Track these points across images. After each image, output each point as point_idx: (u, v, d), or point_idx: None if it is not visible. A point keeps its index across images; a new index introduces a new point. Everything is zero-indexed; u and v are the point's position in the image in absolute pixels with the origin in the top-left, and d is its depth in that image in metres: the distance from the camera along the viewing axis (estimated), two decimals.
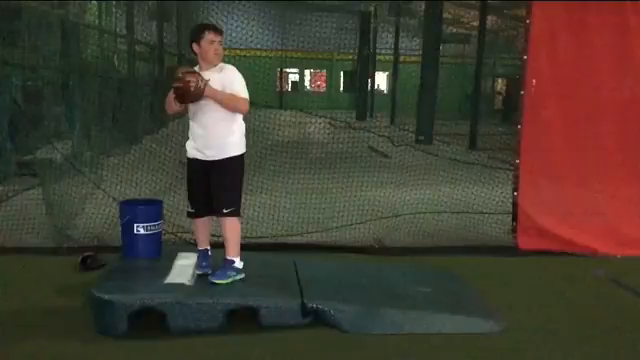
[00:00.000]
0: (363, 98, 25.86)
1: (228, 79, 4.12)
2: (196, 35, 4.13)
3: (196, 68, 4.22)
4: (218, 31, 4.17)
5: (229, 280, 4.16)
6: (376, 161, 10.22)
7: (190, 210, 4.36)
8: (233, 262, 4.21)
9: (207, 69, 4.15)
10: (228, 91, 4.09)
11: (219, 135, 4.14)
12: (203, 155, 4.19)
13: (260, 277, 4.33)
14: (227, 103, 4.09)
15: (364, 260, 5.57)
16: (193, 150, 4.24)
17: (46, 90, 8.42)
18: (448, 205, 7.11)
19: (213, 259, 4.40)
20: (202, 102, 4.08)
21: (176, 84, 4.02)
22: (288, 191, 7.36)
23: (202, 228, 4.42)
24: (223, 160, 4.15)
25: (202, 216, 4.36)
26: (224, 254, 4.23)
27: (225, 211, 4.15)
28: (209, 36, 4.11)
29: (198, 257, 4.43)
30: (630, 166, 5.97)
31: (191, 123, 4.23)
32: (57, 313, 4.19)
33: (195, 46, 4.14)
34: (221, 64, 4.20)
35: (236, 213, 4.20)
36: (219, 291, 4.09)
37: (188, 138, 4.29)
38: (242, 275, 4.22)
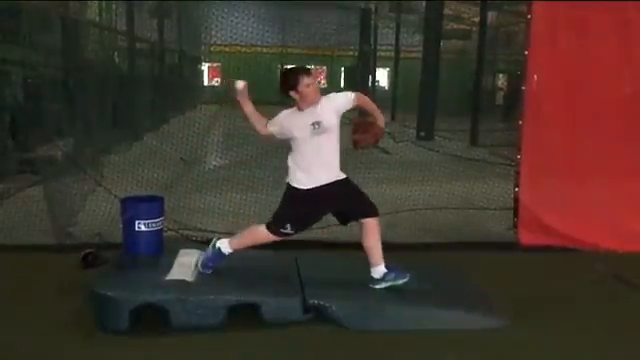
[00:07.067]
0: (363, 94, 25.75)
1: (336, 101, 4.27)
2: (292, 83, 4.17)
3: (293, 109, 4.32)
4: (310, 72, 4.25)
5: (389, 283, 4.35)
6: (377, 157, 10.20)
7: (290, 232, 4.33)
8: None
9: (307, 108, 4.22)
10: (342, 109, 4.28)
11: (338, 159, 4.31)
12: (338, 176, 4.30)
13: (262, 273, 4.35)
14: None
15: (365, 257, 5.56)
16: (328, 176, 4.25)
17: (47, 87, 8.41)
18: (449, 201, 7.10)
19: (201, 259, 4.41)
20: (324, 136, 4.19)
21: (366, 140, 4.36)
22: None
23: (262, 242, 4.43)
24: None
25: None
26: (374, 262, 4.41)
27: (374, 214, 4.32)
28: (305, 80, 4.15)
29: (213, 255, 4.34)
30: (631, 161, 5.96)
31: (309, 157, 4.24)
32: (59, 310, 4.20)
33: (293, 93, 4.19)
34: None
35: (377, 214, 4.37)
36: (220, 287, 4.10)
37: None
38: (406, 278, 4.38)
